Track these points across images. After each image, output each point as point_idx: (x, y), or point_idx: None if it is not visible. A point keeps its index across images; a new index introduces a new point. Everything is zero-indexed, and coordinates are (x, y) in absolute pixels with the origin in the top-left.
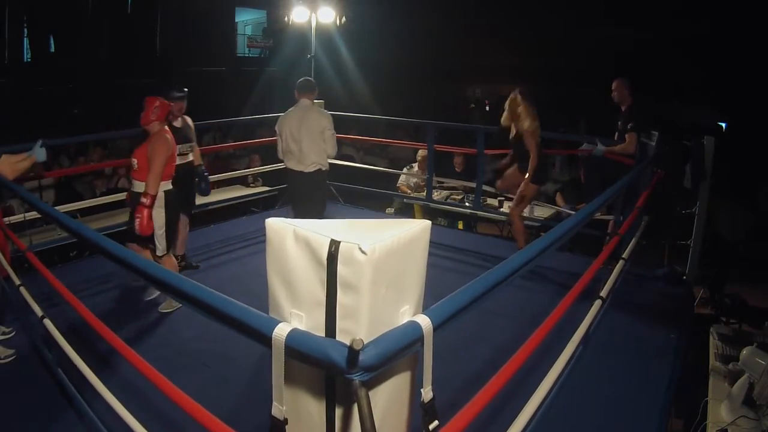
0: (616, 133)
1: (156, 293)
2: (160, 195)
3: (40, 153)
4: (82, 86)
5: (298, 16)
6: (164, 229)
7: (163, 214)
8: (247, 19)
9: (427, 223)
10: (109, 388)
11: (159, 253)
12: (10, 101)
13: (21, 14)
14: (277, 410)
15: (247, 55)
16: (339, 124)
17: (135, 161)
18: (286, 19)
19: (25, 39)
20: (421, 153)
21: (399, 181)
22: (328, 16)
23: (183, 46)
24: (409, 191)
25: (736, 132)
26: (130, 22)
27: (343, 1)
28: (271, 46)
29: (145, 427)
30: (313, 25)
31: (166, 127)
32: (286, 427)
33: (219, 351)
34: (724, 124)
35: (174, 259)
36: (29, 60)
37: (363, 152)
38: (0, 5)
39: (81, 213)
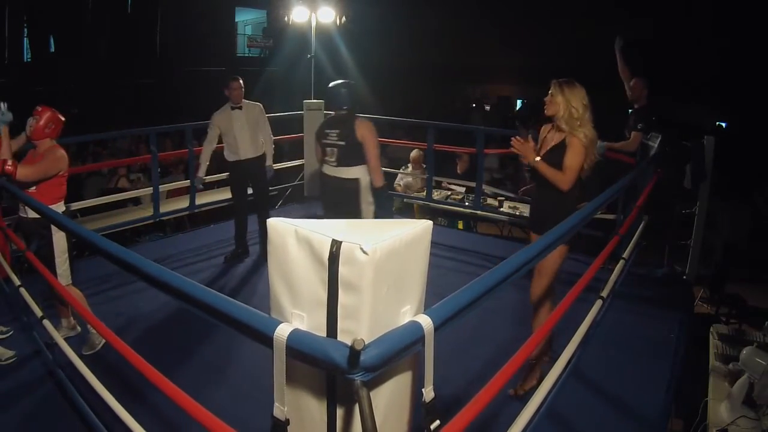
0: (626, 131)
1: (99, 345)
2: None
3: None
4: (82, 86)
5: (298, 15)
6: (67, 254)
7: (64, 239)
8: (247, 19)
9: (429, 223)
10: (109, 389)
11: (63, 282)
12: (10, 101)
13: (21, 14)
14: (279, 411)
15: (247, 55)
16: None
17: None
18: (286, 19)
19: (25, 39)
20: (414, 153)
21: (395, 182)
22: (328, 16)
23: (183, 46)
24: (399, 190)
25: (737, 132)
26: (130, 22)
27: (343, 1)
28: (271, 46)
29: (144, 427)
30: (313, 25)
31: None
32: (288, 427)
33: (219, 351)
34: (724, 124)
35: (77, 290)
36: (29, 60)
37: None
38: (0, 5)
39: (81, 213)
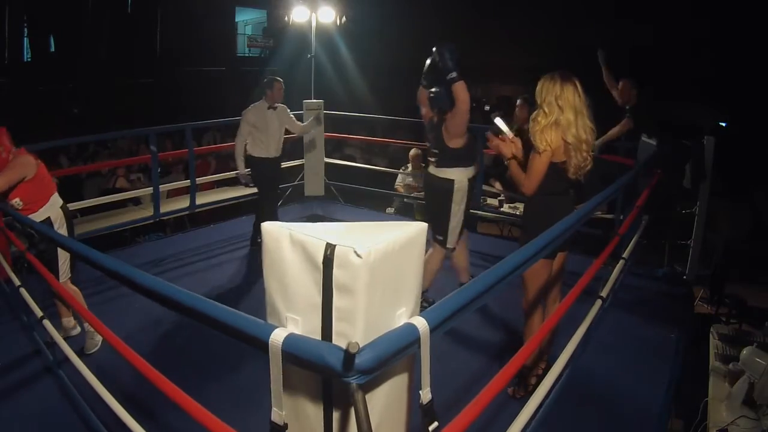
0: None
1: (98, 344)
2: (58, 213)
3: None
4: (82, 86)
5: (298, 15)
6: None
7: (66, 233)
8: (247, 19)
9: (423, 225)
10: (109, 389)
11: (62, 278)
12: (10, 101)
13: (21, 14)
14: (277, 415)
15: (247, 55)
16: (340, 124)
17: (17, 201)
18: (286, 18)
19: (25, 39)
20: (413, 152)
21: (396, 182)
22: (328, 15)
23: (183, 46)
24: (402, 191)
25: (737, 132)
26: (130, 22)
27: (343, 1)
28: (271, 45)
29: (144, 427)
30: (313, 24)
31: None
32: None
33: (219, 350)
34: (724, 124)
35: (74, 287)
36: (29, 60)
37: (366, 152)
38: (0, 5)
39: (81, 213)
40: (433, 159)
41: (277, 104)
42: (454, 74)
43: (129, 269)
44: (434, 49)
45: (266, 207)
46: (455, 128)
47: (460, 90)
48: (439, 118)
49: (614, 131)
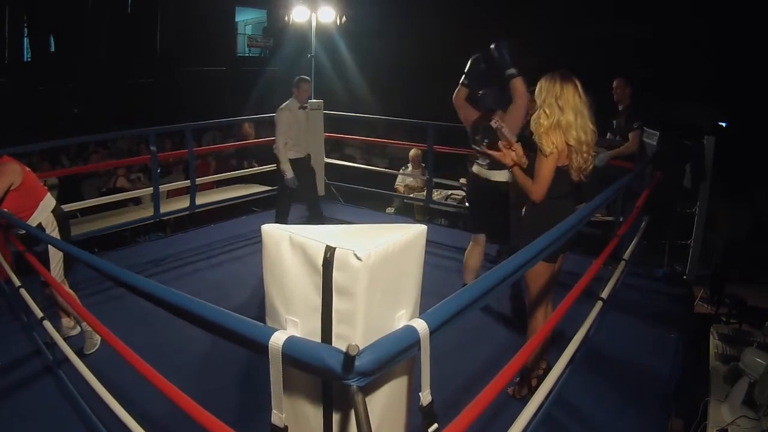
0: (611, 132)
1: (98, 344)
2: (49, 218)
3: None
4: (83, 85)
5: (298, 15)
6: (62, 255)
7: (59, 237)
8: (247, 19)
9: (423, 227)
10: (109, 389)
11: (59, 279)
12: (10, 101)
13: (21, 14)
14: (277, 418)
15: (247, 54)
16: (340, 124)
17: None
18: (286, 18)
19: (25, 39)
20: (413, 152)
21: (396, 182)
22: (328, 15)
23: (183, 46)
24: (402, 191)
25: (737, 132)
26: (130, 22)
27: (343, 0)
28: (272, 45)
29: (144, 427)
30: (314, 24)
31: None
32: None
33: (220, 351)
34: (724, 124)
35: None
36: (29, 60)
37: (366, 152)
38: (0, 5)
39: (81, 213)
40: (484, 162)
41: (305, 104)
42: (513, 70)
43: (121, 272)
44: (491, 45)
45: (283, 206)
46: (512, 125)
47: (520, 85)
48: (488, 118)
49: (623, 149)
